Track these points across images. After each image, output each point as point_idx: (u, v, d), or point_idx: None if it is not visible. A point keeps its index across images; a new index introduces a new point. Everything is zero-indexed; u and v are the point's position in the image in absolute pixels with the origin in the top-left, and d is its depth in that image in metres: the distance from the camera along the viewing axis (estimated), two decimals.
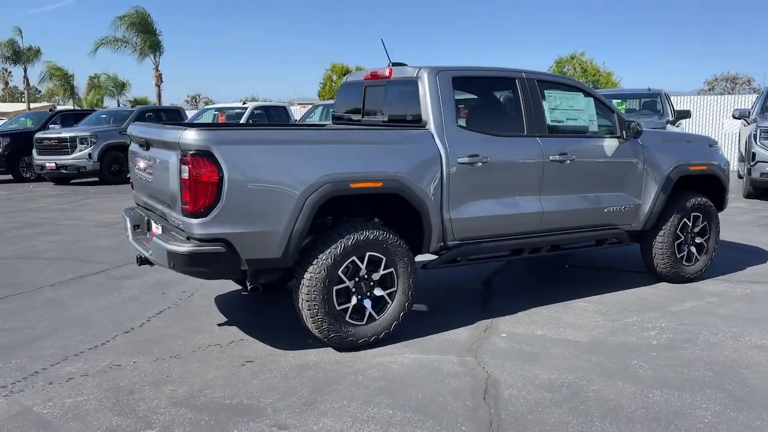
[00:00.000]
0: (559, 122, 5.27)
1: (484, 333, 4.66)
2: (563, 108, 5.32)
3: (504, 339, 4.55)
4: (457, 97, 4.82)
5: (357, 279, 4.30)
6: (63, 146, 15.06)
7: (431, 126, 4.61)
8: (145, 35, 36.45)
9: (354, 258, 4.23)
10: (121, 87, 41.57)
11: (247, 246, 3.94)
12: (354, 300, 4.29)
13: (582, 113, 5.43)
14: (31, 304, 5.46)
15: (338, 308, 4.21)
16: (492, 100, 5.32)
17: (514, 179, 4.95)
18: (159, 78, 39.76)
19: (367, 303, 4.34)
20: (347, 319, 4.26)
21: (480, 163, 4.70)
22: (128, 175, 5.26)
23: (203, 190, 3.79)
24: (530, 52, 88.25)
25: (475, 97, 5.24)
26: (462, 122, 4.79)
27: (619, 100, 12.43)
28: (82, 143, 15.04)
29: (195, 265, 3.91)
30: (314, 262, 4.11)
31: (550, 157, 5.02)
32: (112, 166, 15.43)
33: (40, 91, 56.24)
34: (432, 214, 4.52)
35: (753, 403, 3.52)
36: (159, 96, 39.01)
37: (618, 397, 3.59)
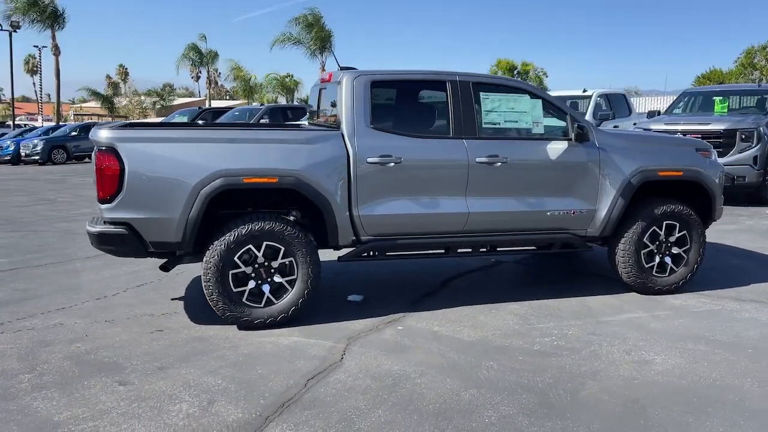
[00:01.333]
0: (494, 124, 5.30)
1: (382, 325, 4.90)
2: (502, 110, 5.33)
3: (393, 332, 4.75)
4: (381, 100, 5.07)
5: (256, 266, 4.75)
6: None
7: (343, 127, 4.92)
8: (317, 33, 38.72)
9: (250, 246, 4.69)
10: (293, 85, 44.95)
11: (147, 230, 4.58)
12: (252, 284, 4.75)
13: (525, 115, 5.39)
14: (57, 271, 6.57)
15: (235, 290, 4.70)
16: (416, 102, 5.47)
17: (433, 180, 5.09)
18: None
19: (266, 288, 4.78)
20: (244, 300, 4.74)
21: (392, 164, 4.92)
22: None
23: (108, 180, 4.48)
24: None
25: (399, 99, 5.41)
26: (379, 124, 5.02)
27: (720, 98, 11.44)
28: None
29: (104, 243, 4.63)
30: (210, 248, 4.64)
31: (477, 160, 5.08)
32: None
33: (228, 91, 62.05)
34: (336, 210, 4.84)
35: (557, 411, 3.48)
36: None
37: (428, 391, 3.72)
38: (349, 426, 3.31)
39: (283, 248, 4.76)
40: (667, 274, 5.69)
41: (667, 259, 5.69)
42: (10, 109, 39.86)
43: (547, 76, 59.57)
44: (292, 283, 4.83)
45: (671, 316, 5.13)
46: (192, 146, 4.64)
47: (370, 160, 4.88)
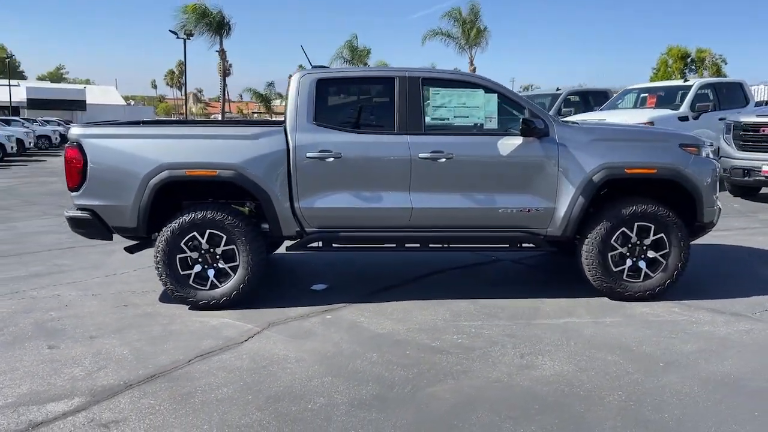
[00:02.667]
0: (442, 120, 5.27)
1: (315, 313, 5.11)
2: (452, 106, 5.28)
3: (318, 320, 4.95)
4: (327, 98, 5.27)
5: (203, 251, 5.18)
6: None
7: (286, 123, 5.19)
8: (469, 27, 38.61)
9: (195, 233, 5.13)
10: None
11: (108, 215, 5.18)
12: (198, 268, 5.19)
13: (477, 110, 5.29)
14: (99, 251, 7.46)
15: (182, 273, 5.17)
16: (363, 99, 5.53)
17: (375, 175, 5.18)
18: (473, 72, 42.14)
19: (210, 272, 5.20)
20: (191, 283, 5.19)
21: (332, 158, 5.10)
22: None
23: (74, 171, 5.14)
24: None
25: (346, 97, 5.52)
26: (322, 120, 5.21)
27: None
28: None
29: (76, 227, 5.30)
30: (160, 234, 5.14)
31: (420, 155, 5.10)
32: None
33: None
34: (276, 202, 5.13)
35: (381, 405, 3.51)
36: None
37: (286, 375, 3.90)
38: (187, 399, 3.61)
39: (225, 236, 5.14)
40: (641, 280, 5.29)
41: (642, 264, 5.29)
42: (205, 108, 44.09)
43: (726, 64, 54.45)
44: (235, 269, 5.20)
45: (617, 323, 4.79)
46: (143, 141, 5.16)
47: (309, 155, 5.10)
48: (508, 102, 5.30)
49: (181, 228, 5.10)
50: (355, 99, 5.48)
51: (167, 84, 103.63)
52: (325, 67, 5.62)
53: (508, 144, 5.16)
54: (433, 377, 3.87)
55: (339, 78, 5.39)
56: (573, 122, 5.90)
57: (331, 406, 3.50)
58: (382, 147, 5.16)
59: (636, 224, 5.22)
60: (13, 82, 69.49)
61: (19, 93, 63.84)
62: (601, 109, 13.30)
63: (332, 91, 5.34)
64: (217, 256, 5.19)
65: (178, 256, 5.15)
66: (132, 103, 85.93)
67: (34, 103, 63.30)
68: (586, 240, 5.25)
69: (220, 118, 39.26)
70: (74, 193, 5.20)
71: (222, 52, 35.70)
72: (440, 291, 5.66)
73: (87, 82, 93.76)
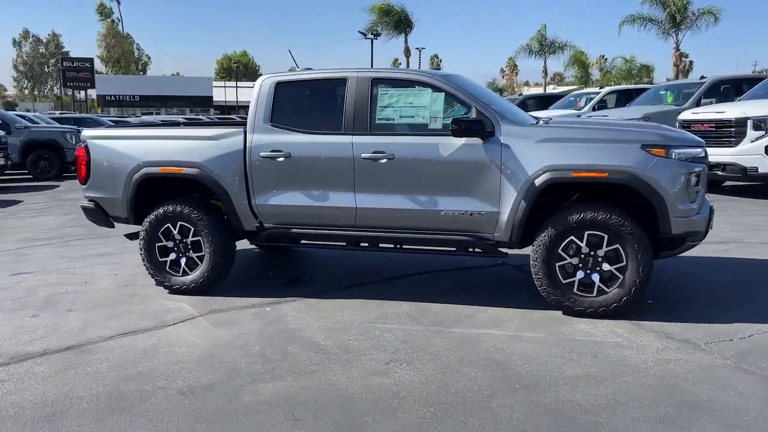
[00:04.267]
0: (388, 120, 5.23)
1: (260, 305, 5.39)
2: (399, 105, 5.23)
3: (255, 311, 5.23)
4: (286, 100, 5.52)
5: (176, 241, 5.74)
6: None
7: (247, 124, 5.55)
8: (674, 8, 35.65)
9: (168, 225, 5.70)
10: (644, 70, 41.98)
11: (106, 206, 5.95)
12: (173, 256, 5.76)
13: (423, 110, 5.17)
14: (107, 232, 8.17)
15: (160, 260, 5.78)
16: (318, 100, 5.59)
17: (322, 174, 5.32)
18: (679, 57, 38.69)
19: (183, 261, 5.74)
20: (167, 269, 5.77)
21: (282, 158, 5.36)
22: None
23: (82, 168, 5.98)
24: None
25: (302, 98, 5.62)
26: (278, 121, 5.47)
27: None
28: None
29: (87, 215, 6.15)
30: (141, 225, 5.80)
31: (363, 155, 5.16)
32: None
33: (564, 78, 60.18)
34: (234, 198, 5.51)
35: (185, 399, 3.74)
36: (677, 76, 37.89)
37: (149, 359, 4.29)
38: (67, 371, 4.11)
39: (192, 228, 5.64)
40: (594, 295, 4.80)
41: (595, 277, 4.79)
42: None
43: None
44: (202, 258, 5.68)
45: (533, 339, 4.43)
46: (132, 142, 5.83)
47: (262, 154, 5.40)
48: (456, 101, 5.11)
49: (157, 219, 5.69)
50: (310, 100, 5.62)
51: None
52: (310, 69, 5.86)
53: (450, 145, 4.98)
54: (278, 373, 3.97)
55: (297, 80, 5.59)
56: (543, 120, 5.46)
57: (163, 389, 3.79)
58: (328, 147, 5.28)
59: (586, 233, 4.75)
60: (249, 84, 78.00)
61: (249, 93, 71.28)
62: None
63: (290, 93, 5.55)
64: (188, 246, 5.71)
65: (156, 244, 5.75)
66: None
67: None
68: (533, 248, 4.90)
69: None
70: (83, 186, 6.05)
71: (406, 50, 36.80)
72: (400, 292, 5.61)
73: None
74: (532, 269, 4.91)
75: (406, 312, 5.10)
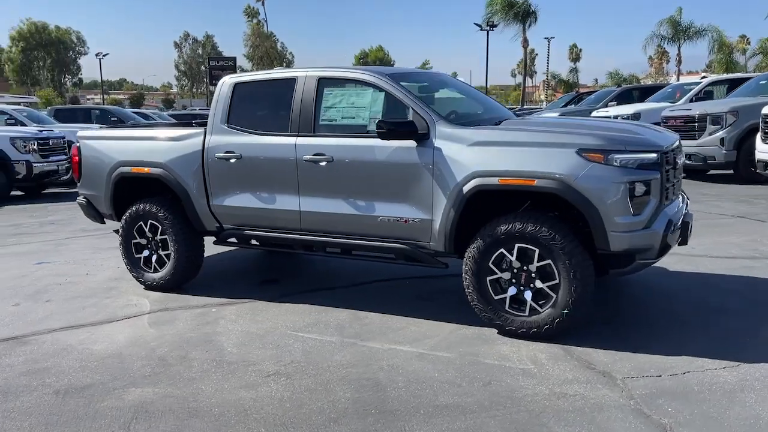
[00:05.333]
0: (331, 121, 5.06)
1: (209, 305, 5.44)
2: (341, 106, 5.04)
3: (196, 312, 5.27)
4: (242, 100, 5.51)
5: (149, 239, 5.92)
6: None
7: (208, 125, 5.60)
8: None
9: (141, 223, 5.89)
10: None
11: (95, 202, 6.26)
12: (146, 253, 5.95)
13: (363, 111, 4.94)
14: None
15: (135, 256, 5.99)
16: (271, 101, 5.44)
17: (268, 176, 5.25)
18: None
19: (154, 258, 5.92)
20: (141, 266, 5.98)
21: (234, 159, 5.36)
22: None
23: (76, 167, 6.33)
24: None
25: (257, 99, 5.50)
26: (233, 122, 5.46)
27: None
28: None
29: (82, 210, 6.49)
30: (121, 221, 6.04)
31: (305, 157, 5.04)
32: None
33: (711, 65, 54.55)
34: (194, 199, 5.58)
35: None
36: None
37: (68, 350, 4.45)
38: (13, 349, 4.42)
39: (160, 227, 5.80)
40: (527, 313, 4.36)
41: (527, 294, 4.35)
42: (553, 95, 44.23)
43: None
44: (169, 257, 5.82)
45: (446, 360, 4.10)
46: (113, 143, 6.07)
47: (218, 155, 5.43)
48: (394, 101, 4.83)
49: (131, 217, 5.91)
50: (264, 101, 5.53)
51: (518, 72, 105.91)
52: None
53: (385, 147, 4.72)
54: (157, 379, 3.94)
55: (253, 81, 5.54)
56: (492, 124, 4.99)
57: (44, 387, 3.89)
58: (274, 148, 5.20)
59: (516, 245, 4.31)
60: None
61: None
62: None
63: (247, 93, 5.51)
64: (158, 244, 5.87)
65: (132, 241, 5.97)
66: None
67: None
68: (464, 260, 4.53)
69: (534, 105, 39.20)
70: (78, 184, 6.40)
71: (524, 41, 35.58)
72: (355, 299, 5.43)
73: (454, 75, 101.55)
74: (463, 282, 4.55)
75: (339, 321, 4.91)
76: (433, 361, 4.08)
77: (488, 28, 35.03)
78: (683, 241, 4.57)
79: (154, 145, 5.78)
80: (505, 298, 4.41)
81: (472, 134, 4.52)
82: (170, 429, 3.35)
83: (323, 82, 5.11)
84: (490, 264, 4.41)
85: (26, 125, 16.00)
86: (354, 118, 5.00)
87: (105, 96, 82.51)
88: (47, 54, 78.37)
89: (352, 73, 5.09)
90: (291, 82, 5.25)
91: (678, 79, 39.59)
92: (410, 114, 4.69)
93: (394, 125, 4.53)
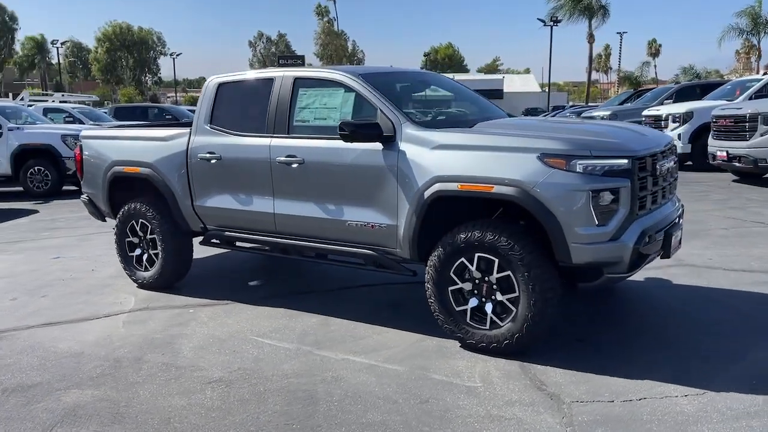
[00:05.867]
0: (304, 122, 4.95)
1: (189, 305, 5.44)
2: (314, 107, 4.93)
3: (174, 312, 5.28)
4: (225, 101, 5.47)
5: (140, 238, 5.98)
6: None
7: (192, 125, 5.60)
8: None
9: (132, 222, 5.96)
10: None
11: (95, 201, 6.38)
12: (138, 252, 6.02)
13: (334, 112, 4.81)
14: None
15: (129, 254, 6.07)
16: (249, 101, 5.32)
17: (244, 177, 5.19)
18: None
19: (145, 257, 5.98)
20: (134, 264, 6.05)
21: (214, 160, 5.34)
22: None
23: (78, 165, 6.47)
24: None
25: (238, 99, 5.41)
26: (216, 122, 5.43)
27: None
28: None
29: (87, 208, 6.62)
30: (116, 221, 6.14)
31: (278, 159, 4.96)
32: None
33: None
34: (179, 199, 5.60)
35: None
36: None
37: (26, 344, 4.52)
38: None
39: (149, 226, 5.85)
40: (488, 327, 4.13)
41: (488, 307, 4.11)
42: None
43: None
44: (158, 256, 5.86)
45: (393, 373, 3.92)
46: (109, 142, 6.16)
47: (200, 156, 5.41)
48: (363, 102, 4.67)
49: (124, 216, 5.99)
50: (244, 102, 5.45)
51: (594, 69, 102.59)
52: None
53: (353, 150, 4.57)
54: (102, 381, 3.93)
55: (235, 81, 5.48)
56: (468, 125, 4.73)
57: None
58: (251, 149, 5.13)
59: (477, 255, 4.08)
60: (447, 75, 78.75)
61: None
62: None
63: (229, 94, 5.46)
64: (149, 243, 5.92)
65: (126, 239, 6.05)
66: (546, 89, 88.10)
67: None
68: (426, 268, 4.34)
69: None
70: (81, 182, 6.54)
71: (590, 36, 34.39)
72: (331, 305, 5.30)
73: (527, 71, 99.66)
74: (426, 292, 4.35)
75: (306, 327, 4.81)
76: (380, 374, 3.91)
77: (552, 23, 34.10)
78: (665, 254, 4.22)
79: (145, 145, 5.82)
80: (467, 309, 4.19)
81: (436, 137, 4.31)
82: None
83: (299, 83, 5.01)
84: (452, 273, 4.20)
85: (83, 123, 16.66)
86: (326, 119, 4.87)
87: (184, 94, 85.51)
88: (130, 54, 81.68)
89: (325, 73, 4.96)
90: (269, 82, 5.18)
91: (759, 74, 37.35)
92: (378, 115, 4.52)
93: (355, 127, 4.37)
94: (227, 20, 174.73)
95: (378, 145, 4.45)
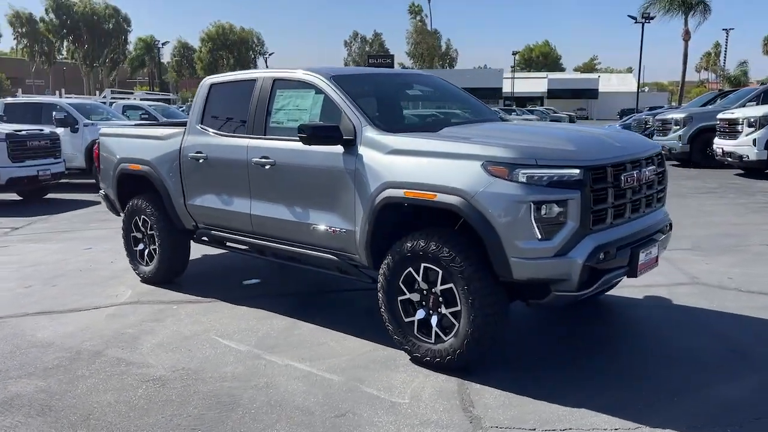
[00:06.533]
0: (279, 124, 4.92)
1: (176, 301, 5.54)
2: (288, 108, 4.90)
3: (160, 307, 5.39)
4: (215, 101, 5.54)
5: (143, 233, 6.16)
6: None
7: (186, 125, 5.71)
8: None
9: (136, 218, 6.14)
10: None
11: (108, 195, 6.63)
12: (141, 246, 6.20)
13: (305, 113, 4.76)
14: None
15: (133, 249, 6.27)
16: (235, 102, 5.29)
17: (225, 177, 5.23)
18: None
19: (146, 252, 6.15)
20: (137, 258, 6.24)
21: (201, 160, 5.42)
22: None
23: (96, 162, 6.75)
24: None
25: (226, 100, 5.41)
26: (206, 123, 5.49)
27: None
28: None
29: (103, 202, 6.89)
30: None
31: (254, 160, 4.97)
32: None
33: None
34: (173, 197, 5.71)
35: None
36: None
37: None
38: None
39: (149, 222, 6.01)
40: (433, 341, 3.95)
41: (433, 320, 3.94)
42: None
43: None
44: (155, 251, 6.02)
45: (323, 383, 3.83)
46: (119, 140, 6.37)
47: (190, 155, 5.51)
48: (331, 105, 4.58)
49: (128, 212, 6.20)
50: (231, 103, 5.45)
51: (702, 68, 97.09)
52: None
53: (317, 152, 4.50)
54: (25, 372, 4.10)
55: (225, 82, 5.53)
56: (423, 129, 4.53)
57: None
58: (231, 150, 5.16)
59: (422, 265, 3.91)
60: (541, 74, 76.95)
61: (542, 84, 70.45)
62: None
63: (219, 95, 5.51)
64: (150, 239, 6.09)
65: (131, 234, 6.26)
66: (646, 89, 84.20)
67: (552, 94, 68.90)
68: (378, 276, 4.21)
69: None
70: (99, 178, 6.82)
71: (686, 33, 32.51)
72: (309, 308, 5.28)
73: (629, 70, 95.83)
74: (378, 300, 4.22)
75: (271, 329, 4.78)
76: (313, 383, 3.82)
77: (644, 20, 32.43)
78: (631, 273, 3.89)
79: (146, 144, 5.98)
80: (414, 321, 4.03)
81: (392, 141, 4.16)
82: (8, 425, 3.43)
83: (277, 84, 4.99)
84: (401, 283, 4.05)
85: (157, 120, 17.41)
86: (297, 120, 4.82)
87: None
88: (230, 53, 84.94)
89: (299, 74, 4.90)
90: (252, 83, 5.19)
91: None
92: (342, 118, 4.43)
93: (313, 129, 4.29)
94: (324, 20, 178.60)
95: (340, 149, 4.36)
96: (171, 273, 6.03)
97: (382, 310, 4.16)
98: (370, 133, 4.27)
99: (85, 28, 75.60)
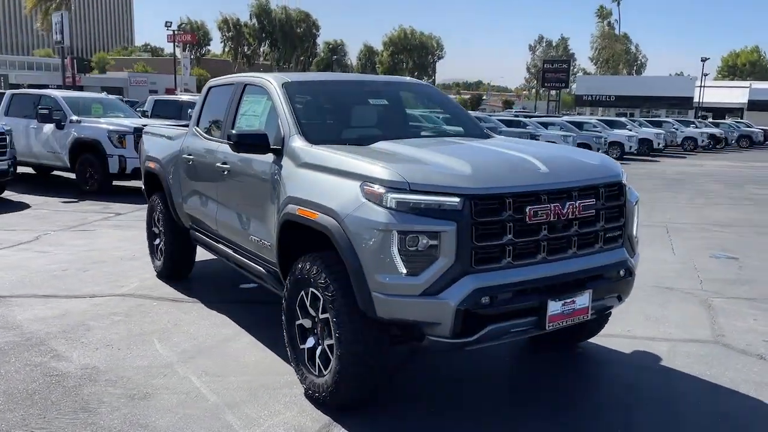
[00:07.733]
0: (240, 129, 4.80)
1: (164, 298, 5.64)
2: (248, 114, 4.80)
3: (151, 303, 5.52)
4: (210, 104, 5.57)
5: (158, 229, 6.37)
6: None
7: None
8: None
9: (153, 213, 6.37)
10: None
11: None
12: (157, 241, 6.41)
13: (257, 119, 4.61)
14: None
15: (152, 243, 6.51)
16: (219, 106, 5.17)
17: (204, 180, 5.23)
18: None
19: (160, 246, 6.36)
20: (154, 252, 6.46)
21: (190, 162, 5.49)
22: None
23: (140, 159, 7.09)
24: None
25: (217, 103, 5.31)
26: (200, 125, 5.52)
27: None
28: None
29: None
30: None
31: (217, 164, 4.93)
32: None
33: None
34: (175, 196, 5.85)
35: None
36: None
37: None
38: None
39: (160, 220, 6.20)
40: (316, 373, 3.62)
41: (318, 350, 3.60)
42: None
43: None
44: (164, 247, 6.20)
45: (229, 391, 3.66)
46: (151, 138, 6.62)
47: (184, 156, 5.60)
48: (274, 112, 4.37)
49: (149, 207, 6.44)
50: (218, 106, 5.36)
51: None
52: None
53: (255, 160, 4.34)
54: None
55: (218, 85, 5.51)
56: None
57: None
58: (206, 153, 5.16)
59: (310, 290, 3.59)
60: (743, 83, 69.36)
61: (743, 95, 63.63)
62: None
63: (214, 97, 5.51)
64: (162, 235, 6.29)
65: (151, 228, 6.50)
66: None
67: (755, 105, 61.89)
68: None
69: None
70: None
71: None
72: (276, 319, 5.08)
73: None
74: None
75: (217, 338, 4.70)
76: (187, 402, 3.66)
77: None
78: (539, 325, 3.26)
79: (161, 143, 6.17)
80: (304, 349, 3.72)
81: (304, 153, 3.87)
82: None
83: (246, 89, 4.89)
84: (297, 306, 3.76)
85: None
86: (251, 126, 4.68)
87: (456, 96, 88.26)
88: (410, 57, 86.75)
89: (258, 79, 4.76)
90: (233, 87, 5.13)
91: None
92: (277, 125, 4.22)
93: (239, 137, 4.11)
94: (508, 23, 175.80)
95: (271, 157, 4.15)
96: (176, 270, 6.16)
97: (284, 332, 3.89)
98: (295, 143, 4.01)
99: (280, 33, 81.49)
